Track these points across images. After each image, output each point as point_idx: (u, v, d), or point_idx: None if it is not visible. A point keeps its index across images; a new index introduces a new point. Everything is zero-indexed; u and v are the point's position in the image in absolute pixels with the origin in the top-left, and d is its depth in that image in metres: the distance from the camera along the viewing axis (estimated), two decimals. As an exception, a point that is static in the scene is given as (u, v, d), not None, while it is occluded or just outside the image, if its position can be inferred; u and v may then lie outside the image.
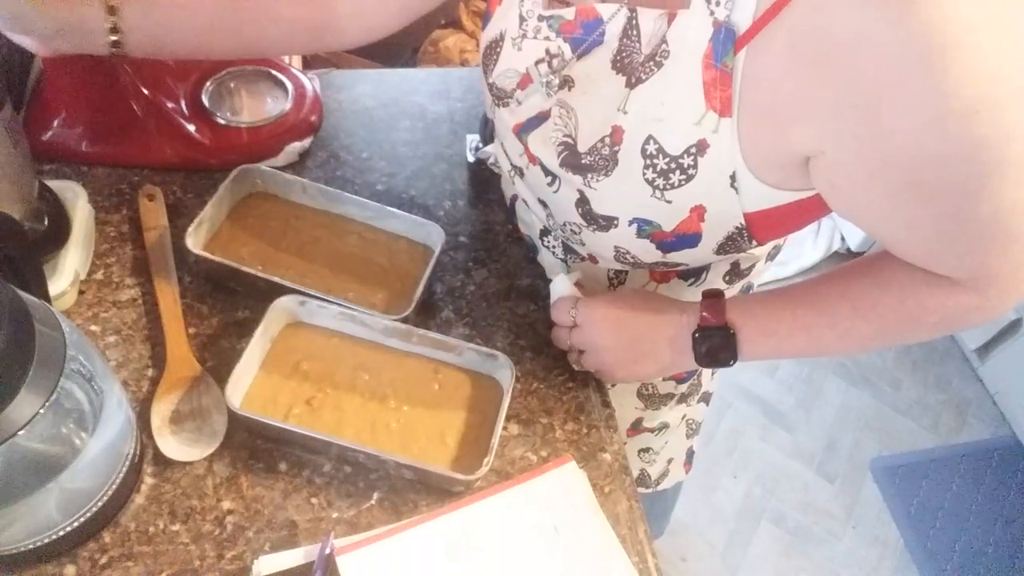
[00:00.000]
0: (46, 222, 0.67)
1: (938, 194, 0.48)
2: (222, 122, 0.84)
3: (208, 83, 0.86)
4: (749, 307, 0.65)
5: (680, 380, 0.89)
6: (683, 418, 0.99)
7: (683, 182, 0.54)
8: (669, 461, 1.06)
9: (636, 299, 0.70)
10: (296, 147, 0.85)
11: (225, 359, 0.67)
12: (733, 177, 0.53)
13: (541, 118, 0.61)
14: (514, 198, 0.81)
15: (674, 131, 0.53)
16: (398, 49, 2.03)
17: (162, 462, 0.61)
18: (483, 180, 0.87)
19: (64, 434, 0.48)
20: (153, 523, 0.58)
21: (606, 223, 0.61)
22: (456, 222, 0.83)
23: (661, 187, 0.55)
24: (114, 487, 0.55)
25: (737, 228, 0.58)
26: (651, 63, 0.53)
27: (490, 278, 0.79)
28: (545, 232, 0.76)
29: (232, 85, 0.88)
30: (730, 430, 1.88)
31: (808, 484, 1.81)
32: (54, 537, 0.52)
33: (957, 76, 0.42)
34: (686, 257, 0.63)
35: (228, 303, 0.72)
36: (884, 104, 0.44)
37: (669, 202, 0.56)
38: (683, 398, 0.93)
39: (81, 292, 0.70)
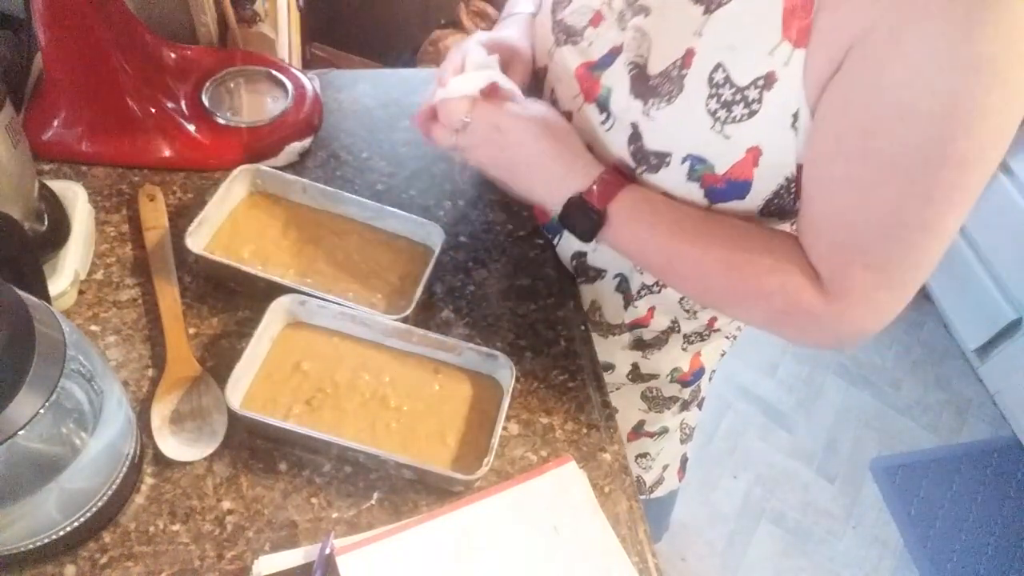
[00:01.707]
0: (46, 222, 0.67)
1: (870, 153, 0.49)
2: (222, 122, 0.84)
3: (208, 83, 0.86)
4: (638, 204, 0.62)
5: (685, 383, 0.89)
6: (681, 423, 0.99)
7: (745, 116, 0.54)
8: (664, 468, 1.05)
9: (540, 128, 0.64)
10: (296, 147, 0.85)
11: (225, 359, 0.67)
12: (796, 116, 0.53)
13: (615, 53, 0.61)
14: None
15: (745, 60, 0.53)
16: (398, 49, 2.03)
17: (162, 462, 0.61)
18: (483, 180, 0.87)
19: (64, 434, 0.48)
20: (153, 523, 0.58)
21: (657, 161, 0.60)
22: (456, 222, 0.83)
23: (722, 119, 0.55)
24: (114, 487, 0.55)
25: (787, 180, 0.57)
26: None
27: (490, 278, 0.79)
28: None
29: (232, 85, 0.88)
30: (730, 430, 1.88)
31: (808, 484, 1.81)
32: (54, 537, 0.52)
33: (983, 28, 0.43)
34: (733, 212, 0.62)
35: (228, 303, 0.72)
36: (911, 31, 0.45)
37: (728, 137, 0.56)
38: (685, 404, 0.93)
39: (81, 292, 0.70)
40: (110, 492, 0.54)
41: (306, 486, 0.62)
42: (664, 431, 0.97)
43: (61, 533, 0.52)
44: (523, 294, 0.78)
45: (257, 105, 0.87)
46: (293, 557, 0.58)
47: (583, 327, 0.76)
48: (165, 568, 0.57)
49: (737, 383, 1.97)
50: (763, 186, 0.58)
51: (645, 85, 0.58)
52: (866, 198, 0.52)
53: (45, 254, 0.67)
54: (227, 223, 0.75)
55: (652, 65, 0.57)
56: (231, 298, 0.72)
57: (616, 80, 0.61)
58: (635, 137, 0.61)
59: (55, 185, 0.72)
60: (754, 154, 0.56)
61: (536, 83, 0.73)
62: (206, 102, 0.85)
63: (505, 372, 0.67)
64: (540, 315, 0.76)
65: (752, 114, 0.54)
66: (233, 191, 0.76)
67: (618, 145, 0.63)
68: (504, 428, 0.66)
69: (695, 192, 0.61)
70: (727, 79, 0.54)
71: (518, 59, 0.72)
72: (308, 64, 1.82)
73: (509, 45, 0.72)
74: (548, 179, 0.64)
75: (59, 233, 0.68)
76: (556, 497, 0.63)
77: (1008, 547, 1.74)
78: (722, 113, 0.55)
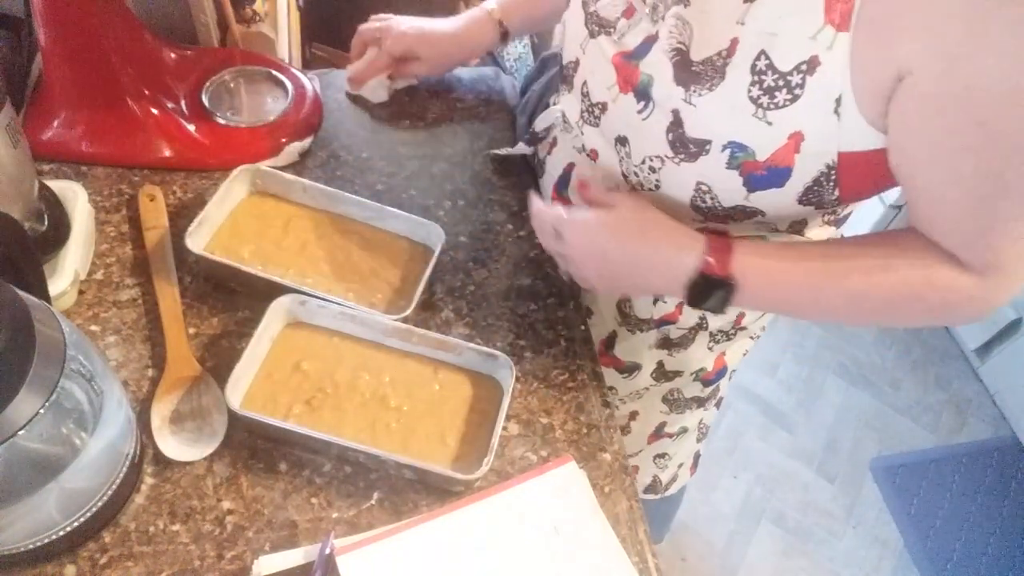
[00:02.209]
0: (46, 222, 0.67)
1: (995, 141, 0.49)
2: (222, 122, 0.84)
3: (208, 83, 0.86)
4: (758, 259, 0.62)
5: (707, 382, 0.89)
6: (699, 422, 0.99)
7: (788, 102, 0.54)
8: (680, 465, 1.06)
9: (629, 223, 0.65)
10: (296, 147, 0.85)
11: (225, 359, 0.67)
12: (838, 102, 0.53)
13: (650, 41, 0.61)
14: (568, 167, 0.78)
15: (787, 45, 0.53)
16: (398, 49, 2.03)
17: (162, 462, 0.61)
18: (483, 180, 0.87)
19: (64, 434, 0.48)
20: (153, 523, 0.58)
21: (697, 149, 0.60)
22: (456, 222, 0.83)
23: (765, 106, 0.55)
24: (114, 487, 0.55)
25: (828, 167, 0.58)
26: None
27: (490, 278, 0.79)
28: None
29: (232, 85, 0.88)
30: (730, 430, 1.88)
31: (808, 484, 1.81)
32: (54, 537, 0.52)
33: None
34: (770, 203, 0.62)
35: (228, 303, 0.72)
36: (993, 21, 0.45)
37: (770, 123, 0.56)
38: (703, 403, 0.94)
39: (81, 292, 0.70)
40: (110, 492, 0.54)
41: (306, 486, 0.62)
42: (683, 431, 0.98)
43: (61, 533, 0.52)
44: (523, 294, 0.78)
45: (257, 105, 0.87)
46: (293, 557, 0.58)
47: (583, 327, 0.76)
48: (165, 568, 0.57)
49: (737, 383, 1.97)
50: (803, 173, 0.59)
51: (688, 72, 0.58)
52: (1002, 181, 0.52)
53: (45, 254, 0.67)
54: (227, 223, 0.75)
55: (695, 52, 0.57)
56: (231, 298, 0.72)
57: (657, 67, 0.61)
58: (675, 124, 0.61)
59: (55, 185, 0.72)
60: (796, 140, 0.56)
61: (566, 77, 0.73)
62: (206, 102, 0.85)
63: (505, 372, 0.67)
64: (540, 315, 0.76)
65: (795, 99, 0.54)
66: (233, 191, 0.75)
67: (656, 133, 0.63)
68: (504, 428, 0.66)
69: (734, 180, 0.60)
70: (770, 65, 0.54)
71: (434, 45, 0.86)
72: (308, 64, 1.82)
73: (429, 34, 0.85)
74: (662, 269, 0.64)
75: (59, 233, 0.68)
76: (556, 497, 0.63)
77: (1008, 547, 1.74)
78: (764, 99, 0.55)
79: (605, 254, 0.66)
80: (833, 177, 0.59)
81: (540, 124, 0.81)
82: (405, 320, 0.69)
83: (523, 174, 0.88)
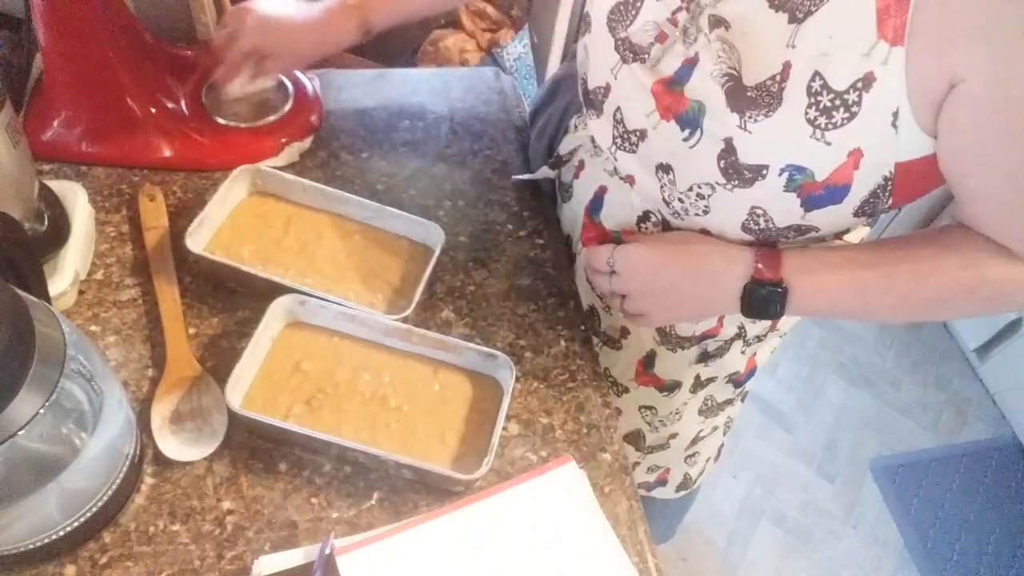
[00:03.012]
0: (46, 222, 0.67)
1: None
2: (222, 122, 0.84)
3: (208, 83, 0.86)
4: (807, 262, 0.64)
5: (738, 383, 0.89)
6: (727, 418, 1.00)
7: (846, 120, 0.54)
8: (707, 459, 1.07)
9: (678, 244, 0.68)
10: (296, 147, 0.85)
11: (225, 359, 0.67)
12: (896, 115, 0.53)
13: (691, 64, 0.60)
14: (600, 191, 0.76)
15: (841, 64, 0.53)
16: (398, 49, 2.03)
17: (162, 462, 0.61)
18: (483, 180, 0.87)
19: (64, 434, 0.48)
20: (153, 523, 0.58)
21: (752, 175, 0.59)
22: (456, 222, 0.83)
23: (823, 127, 0.55)
24: (114, 487, 0.55)
25: (884, 179, 0.58)
26: None
27: (490, 278, 0.79)
28: (644, 218, 0.72)
29: (232, 85, 0.88)
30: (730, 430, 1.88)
31: (808, 484, 1.81)
32: (54, 537, 0.52)
33: None
34: (826, 219, 0.62)
35: (228, 303, 0.72)
36: None
37: (829, 144, 0.55)
38: (732, 401, 0.94)
39: (81, 292, 0.70)
40: (110, 492, 0.54)
41: (306, 486, 0.62)
42: (714, 429, 0.99)
43: (61, 533, 0.52)
44: (523, 294, 0.78)
45: (257, 105, 0.87)
46: (293, 557, 0.58)
47: (583, 327, 0.76)
48: (165, 568, 0.57)
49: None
50: (861, 187, 0.58)
51: (743, 98, 0.57)
52: None
53: (45, 254, 0.67)
54: (227, 223, 0.75)
55: (747, 77, 0.56)
56: (231, 298, 0.72)
57: (707, 93, 0.59)
58: (727, 152, 0.60)
59: (55, 185, 0.72)
60: (855, 157, 0.56)
61: (593, 103, 0.71)
62: (206, 102, 0.85)
63: (505, 372, 0.67)
64: (540, 315, 0.76)
65: (852, 117, 0.54)
66: (233, 191, 0.75)
67: (705, 161, 0.61)
68: (504, 428, 0.66)
69: (791, 201, 0.60)
70: (824, 86, 0.53)
71: (286, 36, 0.79)
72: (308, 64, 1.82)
73: (279, 24, 0.78)
74: (715, 281, 0.66)
75: (59, 233, 0.68)
76: (556, 497, 0.63)
77: (1008, 547, 1.74)
78: (822, 120, 0.55)
79: (659, 274, 0.68)
80: (889, 188, 0.58)
81: (564, 148, 0.79)
82: (405, 320, 0.69)
83: (543, 197, 0.88)
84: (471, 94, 0.97)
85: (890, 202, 0.60)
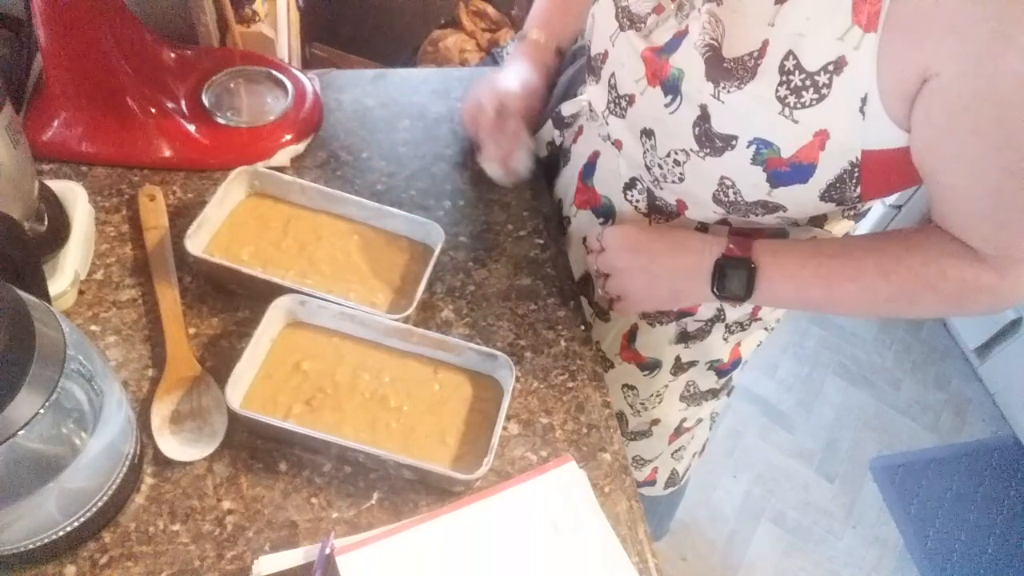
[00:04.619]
0: (46, 222, 0.67)
1: (1019, 140, 0.50)
2: (222, 122, 0.84)
3: (208, 83, 0.86)
4: (776, 248, 0.67)
5: (722, 373, 0.91)
6: (712, 412, 1.01)
7: (814, 101, 0.55)
8: (694, 455, 1.09)
9: (663, 227, 0.73)
10: (296, 147, 0.85)
11: (225, 359, 0.67)
12: (864, 100, 0.54)
13: (679, 37, 0.62)
14: (593, 156, 0.80)
15: (815, 46, 0.54)
16: (398, 49, 2.03)
17: (162, 462, 0.61)
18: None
19: (64, 434, 0.48)
20: (153, 523, 0.58)
21: (723, 144, 0.62)
22: (456, 222, 0.83)
23: (792, 105, 0.56)
24: (114, 487, 0.55)
25: (851, 164, 0.59)
26: None
27: (490, 278, 0.79)
28: (630, 185, 0.76)
29: (232, 85, 0.88)
30: (730, 430, 1.88)
31: (808, 484, 1.81)
32: (54, 537, 0.52)
33: None
34: (792, 198, 0.63)
35: (228, 303, 0.72)
36: (1021, 23, 0.46)
37: (796, 122, 0.57)
38: (716, 392, 0.95)
39: (81, 292, 0.70)
40: (110, 492, 0.54)
41: (306, 486, 0.62)
42: (699, 422, 1.00)
43: (61, 533, 0.52)
44: (523, 294, 0.78)
45: (257, 105, 0.87)
46: (293, 557, 0.58)
47: (583, 327, 0.76)
48: (165, 568, 0.57)
49: (737, 382, 1.96)
50: (826, 170, 0.60)
51: (719, 68, 0.59)
52: None
53: (45, 254, 0.67)
54: (226, 225, 0.75)
55: (727, 50, 0.58)
56: (231, 298, 0.72)
57: (688, 62, 0.61)
58: (702, 119, 0.62)
59: (55, 185, 0.72)
60: (821, 138, 0.57)
61: (593, 68, 0.74)
62: (206, 102, 0.85)
63: (505, 372, 0.67)
64: (540, 315, 0.76)
65: (821, 99, 0.55)
66: (232, 192, 0.75)
67: (682, 127, 0.64)
68: (504, 428, 0.66)
69: (757, 175, 0.62)
70: (797, 65, 0.55)
71: (539, 95, 0.82)
72: (308, 64, 1.82)
73: (532, 88, 0.81)
74: (692, 261, 0.69)
75: (59, 233, 0.68)
76: (556, 497, 0.63)
77: (1008, 547, 1.74)
78: (791, 99, 0.56)
79: (641, 249, 0.72)
80: (856, 175, 0.60)
81: (567, 110, 0.82)
82: (405, 320, 0.69)
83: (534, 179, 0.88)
84: (466, 95, 0.97)
85: (858, 191, 0.61)
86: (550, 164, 0.90)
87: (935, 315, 0.68)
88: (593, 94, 0.75)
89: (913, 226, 0.65)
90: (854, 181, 0.60)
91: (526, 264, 0.80)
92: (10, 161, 0.61)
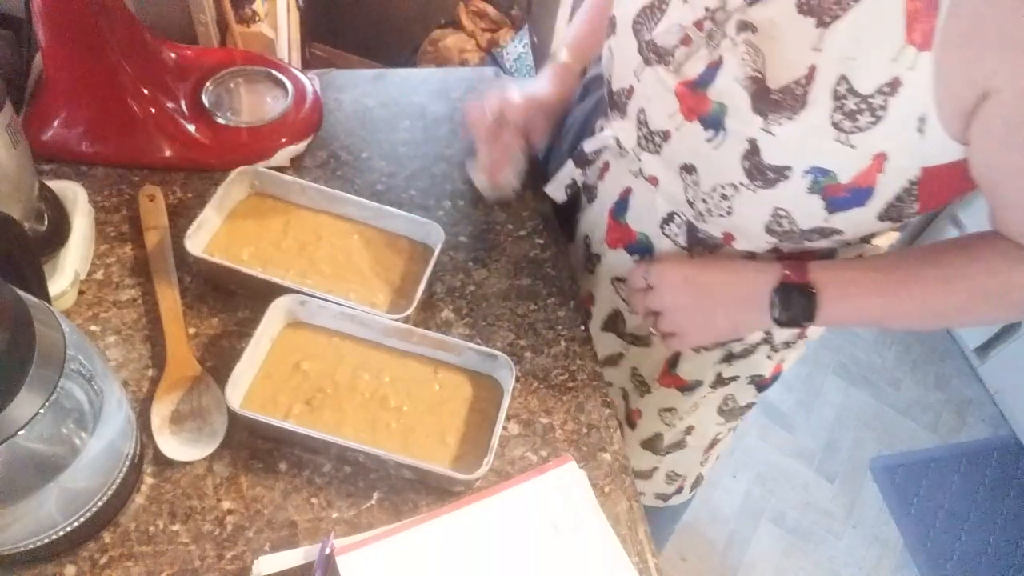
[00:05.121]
0: (46, 222, 0.67)
1: None
2: (222, 122, 0.84)
3: (208, 83, 0.86)
4: (832, 269, 0.65)
5: (762, 387, 0.89)
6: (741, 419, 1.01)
7: (871, 124, 0.54)
8: (716, 457, 1.08)
9: (710, 258, 0.70)
10: (295, 148, 0.85)
11: (225, 359, 0.67)
12: (922, 120, 0.53)
13: (715, 67, 0.60)
14: (625, 192, 0.76)
15: (868, 68, 0.52)
16: (398, 49, 2.03)
17: (162, 462, 0.61)
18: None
19: (64, 434, 0.48)
20: (153, 523, 0.58)
21: (776, 175, 0.60)
22: (456, 222, 0.83)
23: (847, 130, 0.55)
24: (114, 487, 0.55)
25: (910, 183, 0.57)
26: None
27: (490, 278, 0.79)
28: (668, 220, 0.73)
29: (232, 85, 0.88)
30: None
31: (808, 484, 1.81)
32: (54, 537, 0.52)
33: None
34: (849, 221, 0.61)
35: (228, 303, 0.72)
36: None
37: (853, 147, 0.55)
38: (752, 405, 0.94)
39: (81, 292, 0.70)
40: (110, 492, 0.54)
41: (306, 486, 0.62)
42: (730, 431, 1.00)
43: (61, 533, 0.52)
44: (523, 294, 0.78)
45: (257, 105, 0.87)
46: (293, 557, 0.58)
47: (583, 327, 0.76)
48: (165, 568, 0.57)
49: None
50: (886, 191, 0.58)
51: (766, 100, 0.57)
52: None
53: (45, 254, 0.67)
54: (226, 225, 0.75)
55: (771, 80, 0.56)
56: (231, 298, 0.72)
57: (731, 95, 0.59)
58: (751, 153, 0.60)
59: (55, 185, 0.72)
60: (880, 160, 0.56)
61: (617, 104, 0.71)
62: (206, 102, 0.85)
63: (505, 372, 0.67)
64: (540, 315, 0.76)
65: (877, 121, 0.54)
66: (231, 193, 0.75)
67: (729, 161, 0.62)
68: (504, 428, 0.66)
69: (814, 203, 0.60)
70: (850, 90, 0.53)
71: (546, 112, 0.80)
72: (308, 64, 1.82)
73: (540, 101, 0.80)
74: (748, 290, 0.68)
75: (59, 233, 0.68)
76: (556, 497, 0.63)
77: (1008, 547, 1.74)
78: (847, 123, 0.54)
79: (694, 282, 0.70)
80: (915, 192, 0.58)
81: (589, 147, 0.78)
82: (406, 320, 0.69)
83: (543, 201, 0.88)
84: (471, 94, 0.97)
85: (916, 207, 0.60)
86: (570, 203, 0.86)
87: (999, 323, 0.67)
88: (620, 130, 0.72)
89: (970, 235, 0.63)
90: (913, 198, 0.59)
91: (526, 264, 0.80)
92: (10, 161, 0.61)
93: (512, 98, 0.79)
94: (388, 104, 0.94)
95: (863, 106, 0.53)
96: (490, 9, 1.98)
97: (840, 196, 0.59)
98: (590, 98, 0.86)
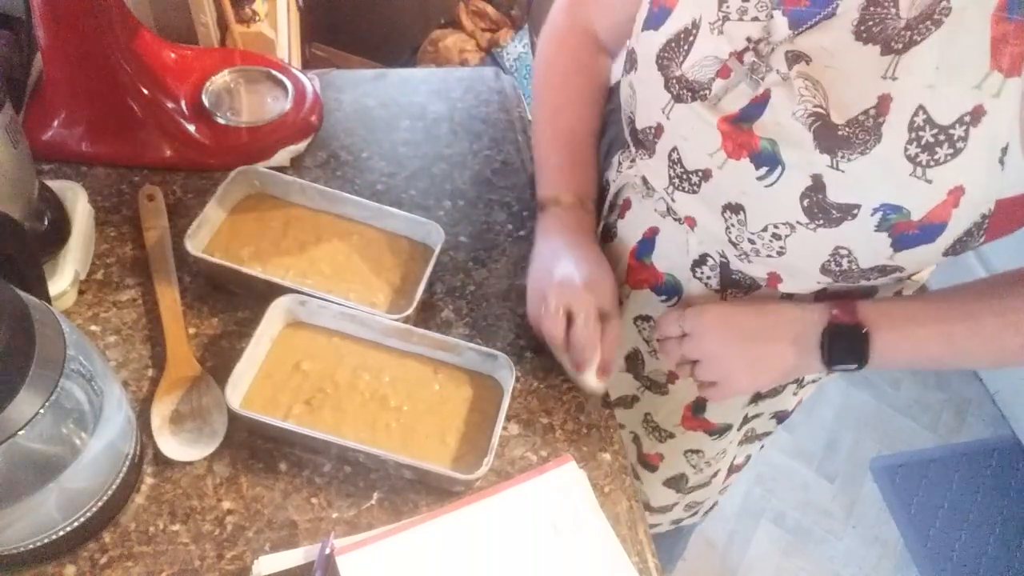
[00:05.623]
0: (46, 222, 0.67)
1: None
2: (222, 122, 0.84)
3: (208, 83, 0.86)
4: (885, 307, 0.62)
5: (782, 419, 0.88)
6: None
7: (949, 157, 0.50)
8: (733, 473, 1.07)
9: (748, 301, 0.66)
10: (295, 148, 0.85)
11: (225, 359, 0.67)
12: (1004, 151, 0.50)
13: (761, 102, 0.56)
14: (650, 232, 0.72)
15: (947, 97, 0.49)
16: (398, 49, 2.03)
17: (162, 462, 0.61)
18: (483, 180, 0.87)
19: (64, 434, 0.48)
20: (153, 523, 0.58)
21: (841, 214, 0.56)
22: (456, 222, 0.83)
23: (924, 164, 0.51)
24: (114, 487, 0.55)
25: (983, 216, 0.54)
26: (925, 24, 0.49)
27: (490, 278, 0.79)
28: (700, 262, 0.69)
29: (232, 85, 0.88)
30: (730, 430, 1.88)
31: (808, 484, 1.81)
32: (54, 537, 0.52)
33: None
34: (914, 259, 0.58)
35: (228, 303, 0.72)
36: None
37: (929, 182, 0.52)
38: (769, 433, 0.93)
39: (81, 292, 0.70)
40: (110, 492, 0.54)
41: (306, 486, 0.62)
42: (747, 458, 1.00)
43: (61, 533, 0.52)
44: (523, 294, 0.78)
45: (257, 105, 0.87)
46: (293, 557, 0.58)
47: (583, 327, 0.76)
48: (165, 568, 0.57)
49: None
50: (957, 226, 0.54)
51: (834, 137, 0.53)
52: None
53: (45, 254, 0.67)
54: (226, 225, 0.75)
55: (836, 115, 0.53)
56: (231, 298, 0.72)
57: (786, 132, 0.55)
58: (814, 190, 0.56)
59: (55, 185, 0.72)
60: (956, 195, 0.52)
61: (643, 143, 0.68)
62: (206, 102, 0.85)
63: (505, 372, 0.67)
64: (540, 315, 0.76)
65: (957, 153, 0.50)
66: (231, 193, 0.75)
67: (784, 200, 0.58)
68: (504, 428, 0.66)
69: (880, 241, 0.56)
70: (928, 120, 0.50)
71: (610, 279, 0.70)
72: (308, 64, 1.83)
73: (601, 271, 0.69)
74: (794, 330, 0.63)
75: (59, 233, 0.68)
76: (556, 497, 0.63)
77: (1008, 547, 1.74)
78: (923, 157, 0.51)
79: (735, 329, 0.65)
80: (985, 225, 0.55)
81: (612, 189, 0.76)
82: (406, 320, 0.69)
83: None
84: (471, 94, 0.97)
85: (983, 239, 0.56)
86: None
87: None
88: (647, 169, 0.69)
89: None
90: (981, 232, 0.55)
91: (526, 264, 0.80)
92: (10, 161, 0.61)
93: (573, 295, 0.66)
94: (388, 104, 0.94)
95: (942, 137, 0.50)
96: (490, 9, 1.98)
97: (911, 233, 0.55)
98: (607, 133, 0.82)
